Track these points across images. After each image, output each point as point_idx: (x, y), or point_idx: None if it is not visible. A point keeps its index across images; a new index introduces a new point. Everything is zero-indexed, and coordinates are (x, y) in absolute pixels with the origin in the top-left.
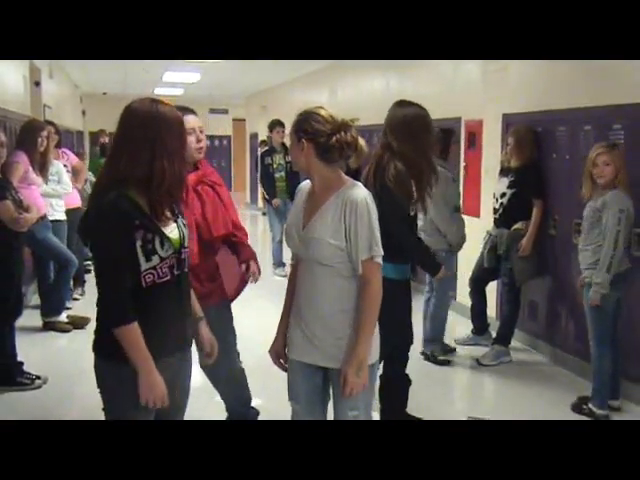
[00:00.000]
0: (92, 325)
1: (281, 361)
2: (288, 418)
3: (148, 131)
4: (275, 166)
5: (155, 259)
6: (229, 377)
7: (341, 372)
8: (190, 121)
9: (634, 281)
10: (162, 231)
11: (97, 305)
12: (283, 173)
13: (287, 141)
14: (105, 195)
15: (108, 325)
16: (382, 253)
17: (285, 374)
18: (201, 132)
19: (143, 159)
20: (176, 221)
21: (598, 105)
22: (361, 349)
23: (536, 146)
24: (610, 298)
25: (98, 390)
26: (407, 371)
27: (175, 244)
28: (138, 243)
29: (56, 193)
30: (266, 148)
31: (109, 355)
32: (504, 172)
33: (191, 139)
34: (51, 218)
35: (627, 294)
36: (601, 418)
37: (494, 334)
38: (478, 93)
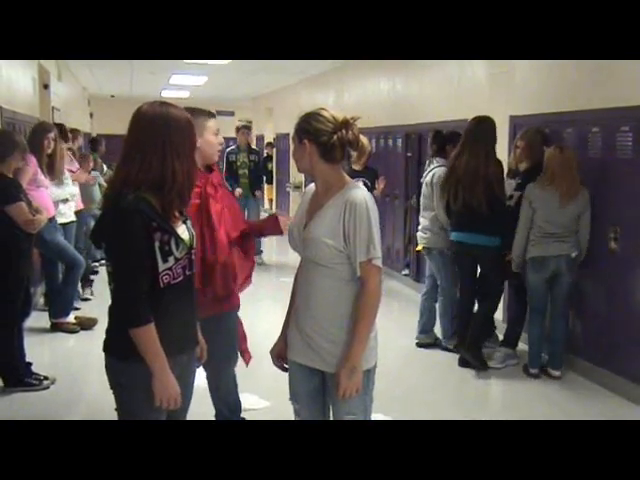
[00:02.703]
0: (100, 326)
1: (281, 362)
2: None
3: (158, 134)
4: (239, 164)
5: (171, 260)
6: (227, 381)
7: (335, 375)
8: (215, 123)
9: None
10: (177, 232)
11: (111, 305)
12: (246, 170)
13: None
14: (121, 198)
15: (125, 325)
16: (380, 255)
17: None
18: (217, 134)
19: (155, 162)
20: (185, 222)
21: (606, 107)
22: (355, 352)
23: (544, 148)
24: (535, 280)
25: (111, 390)
26: (413, 375)
27: (187, 245)
28: (156, 244)
29: (70, 197)
30: (232, 147)
31: (123, 355)
32: (511, 174)
33: (214, 140)
34: (67, 220)
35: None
36: (534, 376)
37: (501, 336)
38: (485, 95)
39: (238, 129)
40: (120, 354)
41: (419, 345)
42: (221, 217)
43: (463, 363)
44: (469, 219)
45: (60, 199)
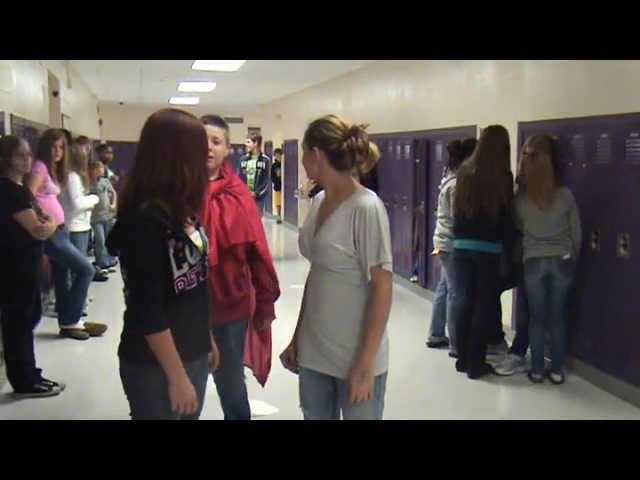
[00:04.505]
0: (109, 332)
1: (292, 365)
2: None
3: (169, 140)
4: (247, 169)
5: (185, 266)
6: (236, 388)
7: (346, 380)
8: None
9: (626, 283)
10: (190, 239)
11: (127, 311)
12: (253, 176)
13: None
14: (135, 206)
15: (141, 332)
16: (391, 260)
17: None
18: (215, 142)
19: (165, 168)
20: (198, 229)
21: (615, 113)
22: (366, 358)
23: (553, 155)
24: (529, 282)
25: (125, 395)
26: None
27: (200, 251)
28: (171, 251)
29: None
30: (245, 154)
31: (139, 359)
32: (518, 181)
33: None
34: (87, 228)
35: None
36: (536, 381)
37: (510, 343)
38: (493, 101)
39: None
40: (135, 358)
41: (430, 345)
42: (210, 225)
43: (461, 368)
44: (477, 226)
45: (87, 208)
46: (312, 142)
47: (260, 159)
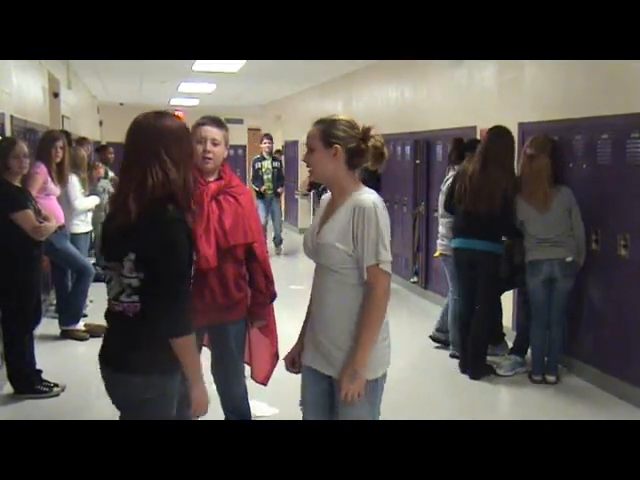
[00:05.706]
0: None
1: (294, 368)
2: None
3: (153, 144)
4: (264, 170)
5: (191, 269)
6: (236, 389)
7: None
8: (203, 131)
9: (626, 283)
10: (196, 243)
11: (143, 319)
12: (270, 175)
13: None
14: (159, 210)
15: (175, 335)
16: (389, 259)
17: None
18: (214, 144)
19: (171, 174)
20: None
21: (616, 114)
22: (358, 358)
23: (553, 156)
24: (531, 283)
25: (122, 410)
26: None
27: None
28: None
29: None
30: (257, 156)
31: (152, 369)
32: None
33: (198, 148)
34: (87, 229)
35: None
36: (537, 382)
37: (510, 344)
38: (494, 102)
39: (262, 139)
40: (147, 369)
41: (432, 338)
42: (208, 226)
43: (464, 369)
44: (482, 225)
45: (88, 209)
46: (333, 140)
47: (274, 159)
